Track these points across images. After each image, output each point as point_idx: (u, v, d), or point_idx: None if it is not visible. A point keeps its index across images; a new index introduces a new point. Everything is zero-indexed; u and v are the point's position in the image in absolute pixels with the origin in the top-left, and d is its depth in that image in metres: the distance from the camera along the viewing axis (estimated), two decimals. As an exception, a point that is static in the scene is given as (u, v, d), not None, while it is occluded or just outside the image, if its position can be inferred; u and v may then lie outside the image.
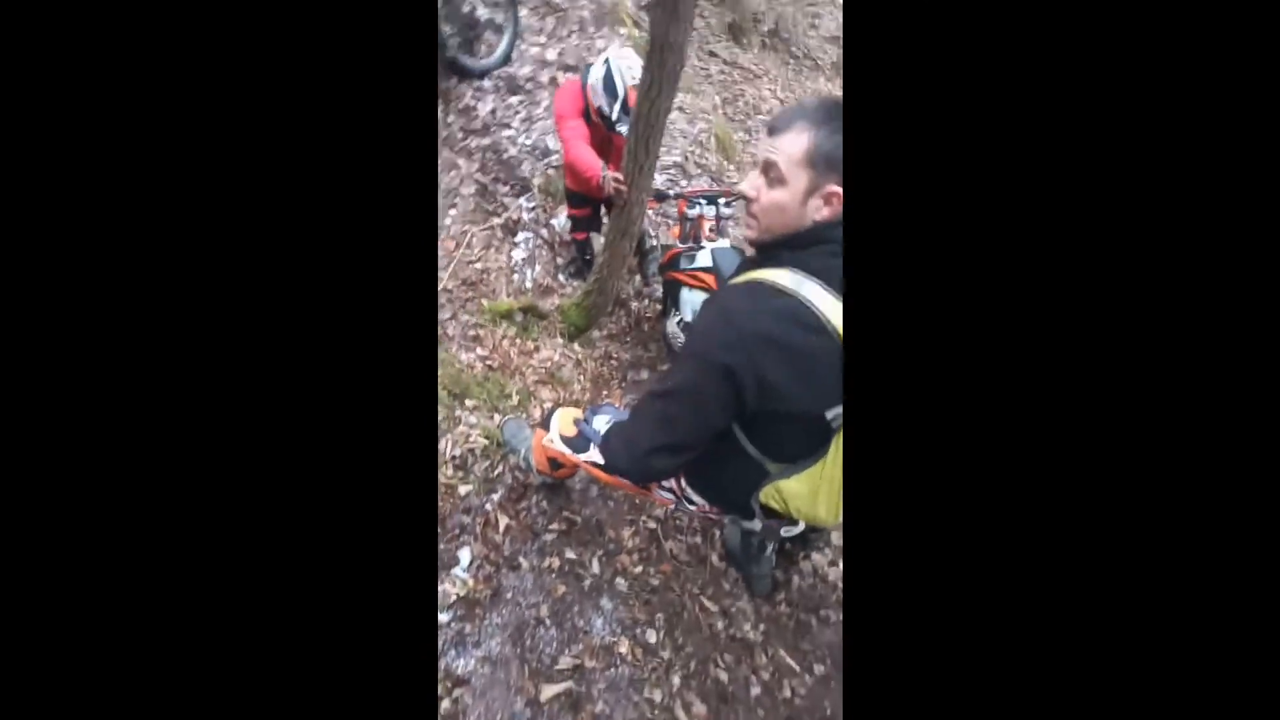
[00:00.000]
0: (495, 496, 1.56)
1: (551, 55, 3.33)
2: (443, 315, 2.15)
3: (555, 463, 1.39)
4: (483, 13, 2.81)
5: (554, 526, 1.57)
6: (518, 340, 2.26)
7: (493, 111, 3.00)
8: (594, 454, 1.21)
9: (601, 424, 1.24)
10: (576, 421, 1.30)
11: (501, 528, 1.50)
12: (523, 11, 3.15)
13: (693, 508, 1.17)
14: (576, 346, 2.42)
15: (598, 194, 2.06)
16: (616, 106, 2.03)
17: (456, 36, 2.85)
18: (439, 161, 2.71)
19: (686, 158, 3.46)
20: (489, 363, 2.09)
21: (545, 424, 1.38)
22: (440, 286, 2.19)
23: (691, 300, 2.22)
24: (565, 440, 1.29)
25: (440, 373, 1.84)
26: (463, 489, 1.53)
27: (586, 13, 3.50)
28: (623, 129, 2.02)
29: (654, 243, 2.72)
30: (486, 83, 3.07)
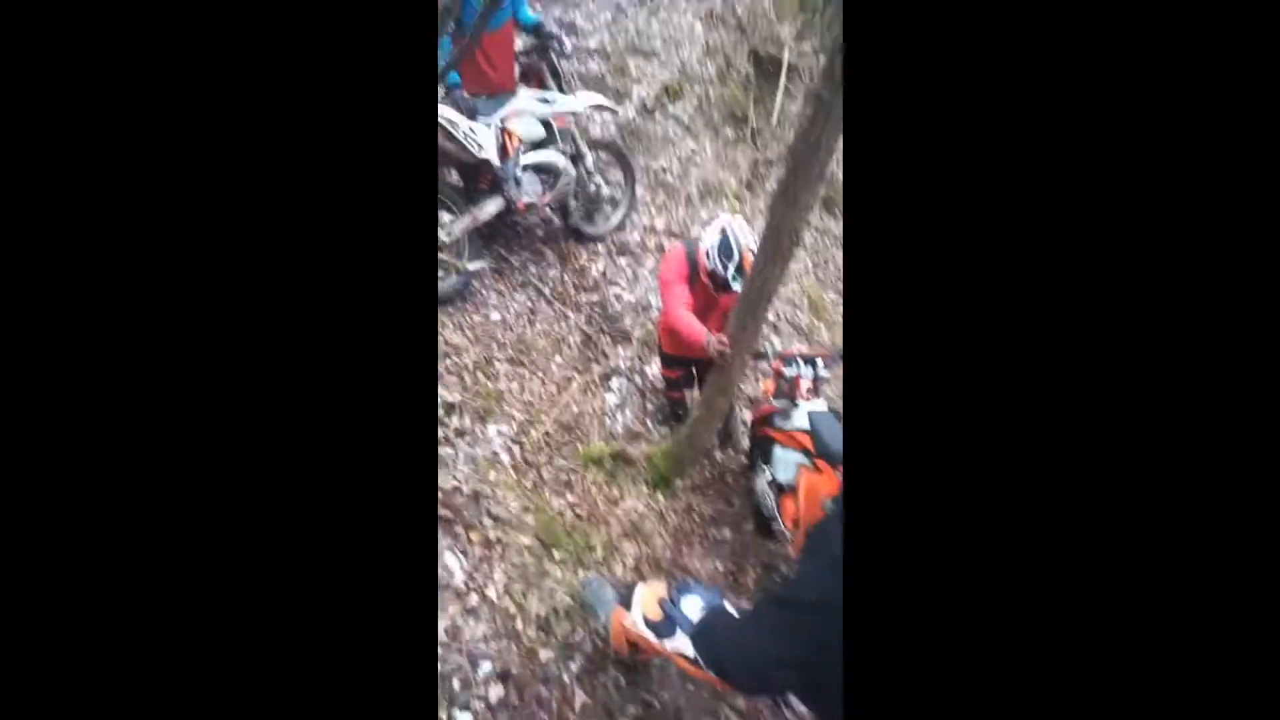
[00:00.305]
0: (574, 666, 1.49)
1: (660, 224, 3.72)
2: (539, 458, 2.24)
3: (636, 647, 1.32)
4: (606, 191, 3.22)
5: (630, 709, 1.46)
6: (605, 487, 2.28)
7: (603, 271, 3.33)
8: (682, 643, 1.14)
9: (692, 609, 1.18)
10: (661, 602, 1.25)
11: (578, 706, 1.41)
12: (639, 188, 3.59)
13: (791, 716, 1.05)
14: (660, 497, 2.40)
15: (699, 354, 2.17)
16: (731, 267, 2.21)
17: (581, 207, 3.27)
18: (550, 311, 2.99)
19: (779, 316, 3.60)
20: (577, 511, 2.11)
21: (626, 602, 1.33)
22: (542, 431, 2.30)
23: (784, 459, 2.18)
24: (649, 624, 1.24)
25: (533, 519, 1.88)
26: (544, 654, 1.48)
27: (694, 189, 3.93)
28: (736, 287, 2.17)
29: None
30: (600, 246, 3.45)
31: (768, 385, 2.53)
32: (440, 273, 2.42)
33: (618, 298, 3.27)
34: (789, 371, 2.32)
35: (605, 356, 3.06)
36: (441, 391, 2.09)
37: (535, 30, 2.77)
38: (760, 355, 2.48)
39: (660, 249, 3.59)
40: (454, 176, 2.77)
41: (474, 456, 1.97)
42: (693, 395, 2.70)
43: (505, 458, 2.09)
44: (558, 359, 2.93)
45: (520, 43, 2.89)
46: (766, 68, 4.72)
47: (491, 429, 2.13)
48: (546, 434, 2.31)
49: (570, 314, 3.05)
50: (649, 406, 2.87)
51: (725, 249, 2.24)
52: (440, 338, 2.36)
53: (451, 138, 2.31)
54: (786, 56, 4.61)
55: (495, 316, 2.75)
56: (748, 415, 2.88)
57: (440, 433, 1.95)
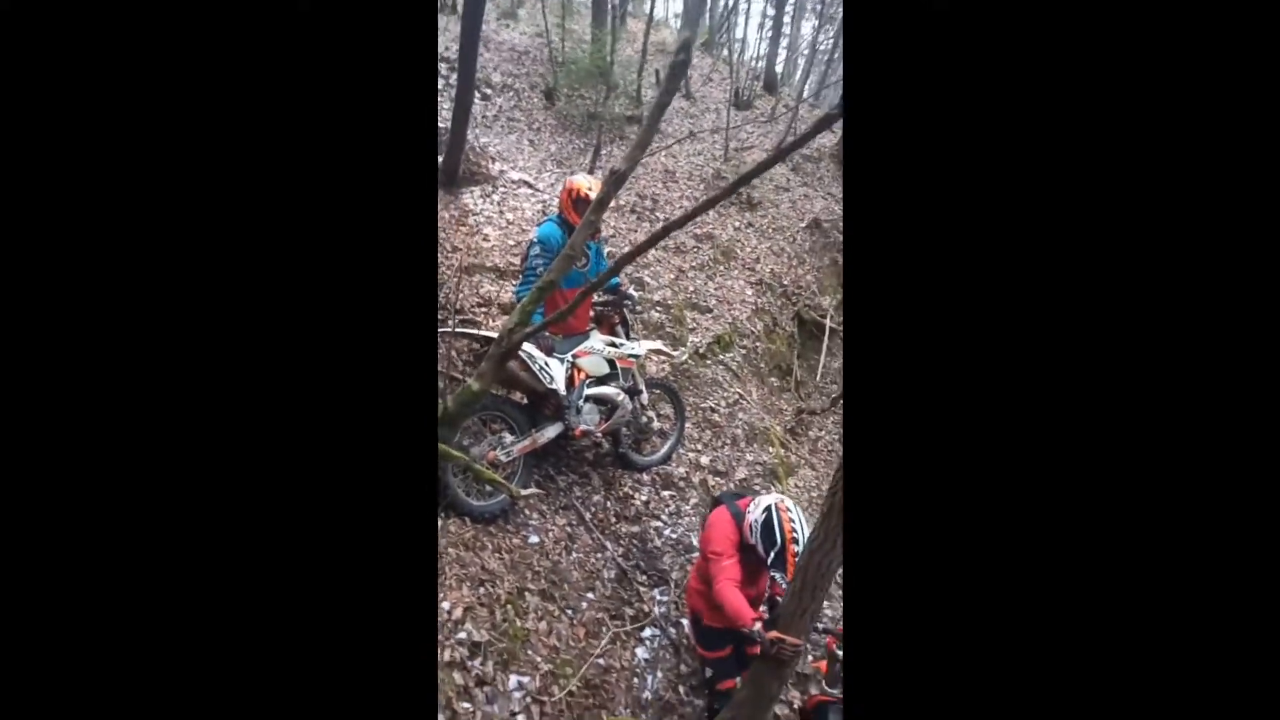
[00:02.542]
0: None
1: (705, 460, 3.76)
2: (559, 723, 1.94)
3: None
4: (657, 425, 3.36)
5: None
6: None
7: (646, 502, 3.28)
8: None
9: None
10: None
11: None
12: (687, 424, 3.73)
13: None
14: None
15: (743, 626, 1.97)
16: (773, 554, 2.06)
17: (631, 436, 3.37)
18: (589, 540, 2.88)
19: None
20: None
21: None
22: (565, 691, 2.03)
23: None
24: None
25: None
26: None
27: (740, 430, 4.06)
28: (776, 575, 2.04)
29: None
30: (645, 476, 3.46)
31: (821, 665, 2.24)
32: (488, 489, 2.43)
33: (658, 532, 3.16)
34: (842, 653, 2.06)
35: (640, 598, 2.84)
36: (469, 627, 1.92)
37: (614, 289, 3.21)
38: (815, 630, 2.24)
39: (705, 485, 3.57)
40: (521, 399, 2.96)
41: (491, 716, 1.72)
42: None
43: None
44: (590, 595, 2.73)
45: (598, 294, 3.34)
46: (810, 329, 5.22)
47: (513, 680, 1.90)
48: (570, 693, 2.04)
49: (609, 544, 2.93)
50: (683, 669, 2.55)
51: (768, 533, 2.06)
52: (479, 559, 2.26)
53: (527, 368, 2.54)
54: (829, 323, 5.11)
55: (534, 539, 2.67)
56: (795, 696, 2.50)
57: (459, 678, 1.75)
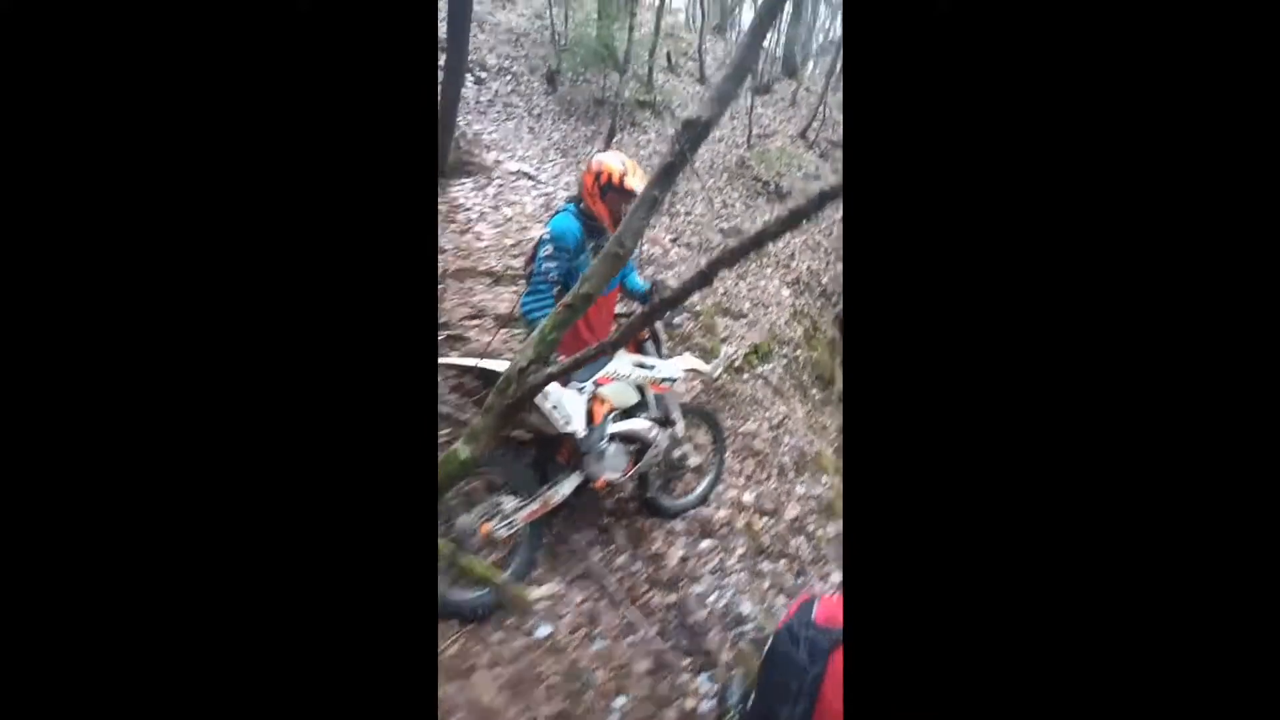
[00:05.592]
0: None
1: (748, 498, 3.12)
2: None
3: None
4: (693, 460, 2.71)
5: None
6: None
7: (683, 559, 2.64)
8: None
9: None
10: None
11: None
12: (727, 454, 3.09)
13: None
14: None
15: None
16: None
17: (660, 475, 2.73)
18: (615, 619, 2.24)
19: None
20: None
21: None
22: None
23: None
24: None
25: None
26: None
27: (787, 458, 3.41)
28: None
29: None
30: (679, 524, 2.82)
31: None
32: (477, 589, 1.75)
33: (701, 600, 2.51)
34: None
35: (681, 692, 2.20)
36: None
37: (642, 298, 2.56)
38: None
39: (751, 530, 2.93)
40: (523, 442, 2.31)
41: None
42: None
43: None
44: (621, 699, 2.09)
45: (621, 304, 2.69)
46: (854, 334, 4.56)
47: None
48: None
49: (641, 625, 2.28)
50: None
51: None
52: (469, 688, 1.62)
53: (536, 409, 1.89)
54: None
55: (544, 631, 2.02)
56: None
57: None
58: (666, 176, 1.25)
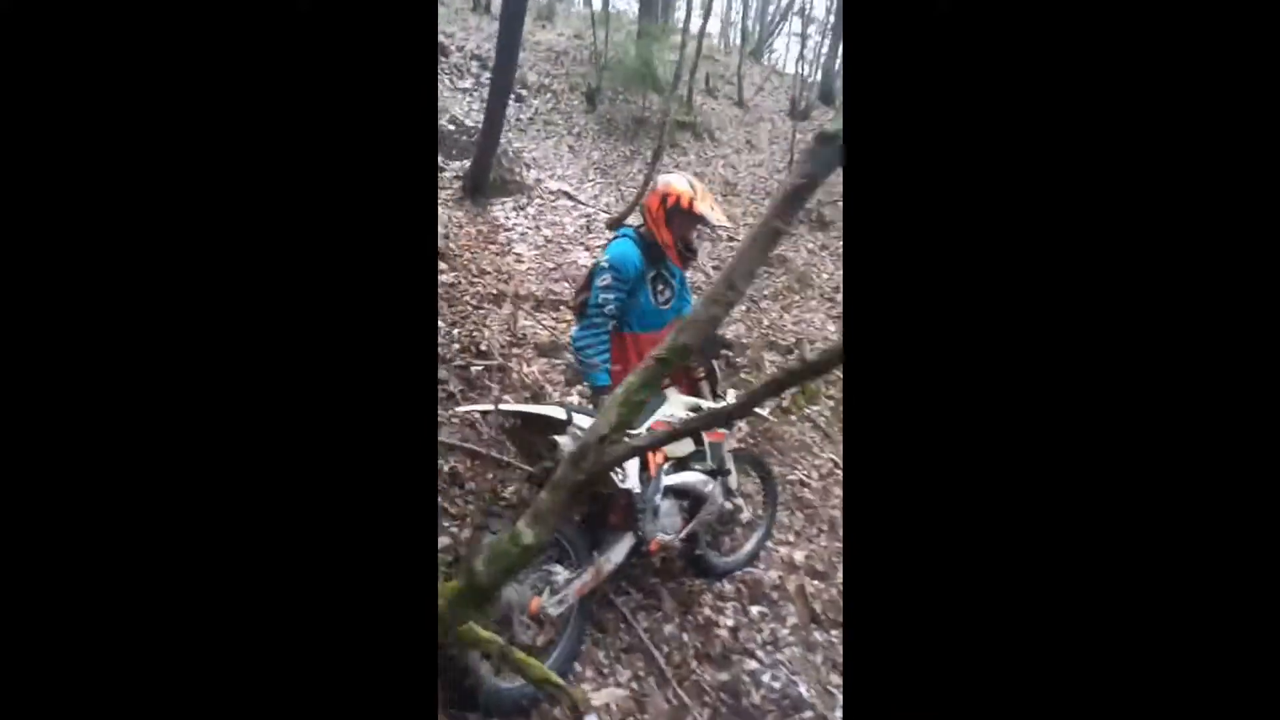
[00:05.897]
0: None
1: (799, 556, 2.84)
2: None
3: None
4: (745, 515, 2.46)
5: None
6: None
7: (734, 630, 2.37)
8: None
9: None
10: None
11: None
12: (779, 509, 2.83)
13: None
14: None
15: None
16: None
17: (709, 533, 2.47)
18: (663, 700, 1.98)
19: None
20: None
21: None
22: None
23: None
24: None
25: None
26: None
27: (837, 510, 3.13)
28: None
29: None
30: (727, 586, 2.55)
31: None
32: (519, 682, 1.49)
33: (754, 677, 2.24)
34: None
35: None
36: None
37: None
38: None
39: (803, 594, 2.65)
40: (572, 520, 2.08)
41: None
42: None
43: None
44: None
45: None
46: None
47: None
48: None
49: (693, 708, 2.02)
50: None
51: None
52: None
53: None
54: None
55: (589, 720, 1.76)
56: None
57: None
58: (793, 203, 1.03)
